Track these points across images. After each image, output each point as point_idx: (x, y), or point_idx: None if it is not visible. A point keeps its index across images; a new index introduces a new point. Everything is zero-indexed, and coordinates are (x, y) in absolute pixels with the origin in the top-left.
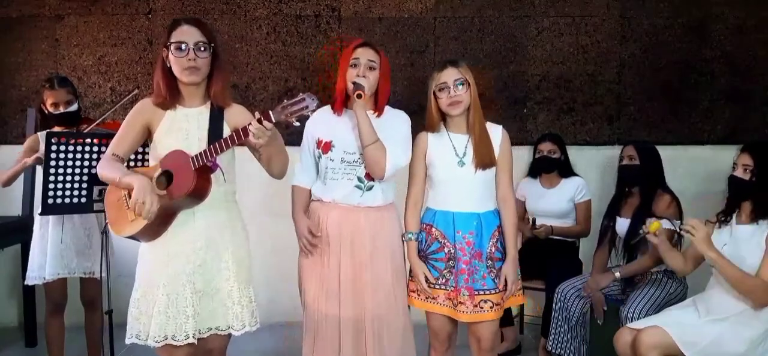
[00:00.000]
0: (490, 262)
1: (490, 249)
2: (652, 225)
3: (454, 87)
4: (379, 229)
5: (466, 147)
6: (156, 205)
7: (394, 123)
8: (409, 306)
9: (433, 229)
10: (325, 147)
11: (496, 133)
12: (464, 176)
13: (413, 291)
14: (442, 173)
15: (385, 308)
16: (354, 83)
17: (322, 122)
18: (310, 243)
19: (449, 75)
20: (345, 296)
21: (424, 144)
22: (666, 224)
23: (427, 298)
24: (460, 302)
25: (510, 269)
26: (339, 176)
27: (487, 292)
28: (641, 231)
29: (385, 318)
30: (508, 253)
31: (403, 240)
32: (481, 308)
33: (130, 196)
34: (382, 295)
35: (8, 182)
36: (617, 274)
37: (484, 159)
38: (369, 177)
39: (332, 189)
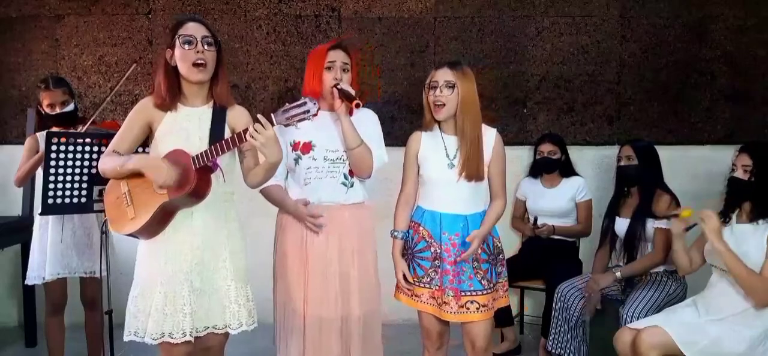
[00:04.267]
0: (476, 263)
1: (476, 251)
2: (684, 211)
3: (442, 87)
4: (363, 227)
5: (457, 150)
6: (173, 172)
7: (367, 121)
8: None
9: (421, 228)
10: (305, 147)
11: (489, 136)
12: (452, 178)
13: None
14: (431, 173)
15: (370, 306)
16: (342, 90)
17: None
18: (314, 217)
19: (442, 75)
20: (333, 297)
21: (417, 143)
22: (665, 224)
23: (412, 295)
24: (444, 302)
25: (477, 236)
26: (323, 175)
27: (475, 293)
28: (667, 217)
29: (370, 316)
30: (481, 228)
31: (391, 236)
32: (467, 309)
33: (130, 194)
34: (367, 293)
35: (22, 182)
36: (618, 274)
37: (472, 172)
38: (352, 174)
39: (317, 189)
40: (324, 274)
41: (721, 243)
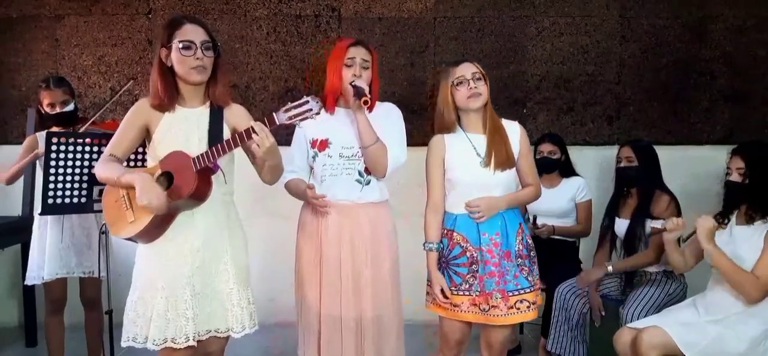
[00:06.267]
0: (520, 260)
1: (518, 248)
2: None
3: (473, 80)
4: (377, 227)
5: (486, 146)
6: (163, 198)
7: (388, 118)
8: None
9: (455, 234)
10: (322, 145)
11: (513, 129)
12: (486, 177)
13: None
14: (463, 175)
15: (383, 307)
16: (355, 87)
17: (314, 121)
18: (319, 198)
19: (467, 69)
20: (346, 296)
21: (441, 148)
22: (660, 224)
23: (451, 306)
24: (493, 306)
25: (491, 199)
26: (338, 172)
27: (522, 292)
28: (657, 225)
29: (384, 318)
30: (504, 198)
31: (424, 249)
32: (518, 309)
33: (129, 197)
34: (381, 294)
35: (12, 179)
36: (610, 267)
37: (501, 159)
38: (368, 171)
39: (332, 187)
40: (337, 273)
41: (711, 243)
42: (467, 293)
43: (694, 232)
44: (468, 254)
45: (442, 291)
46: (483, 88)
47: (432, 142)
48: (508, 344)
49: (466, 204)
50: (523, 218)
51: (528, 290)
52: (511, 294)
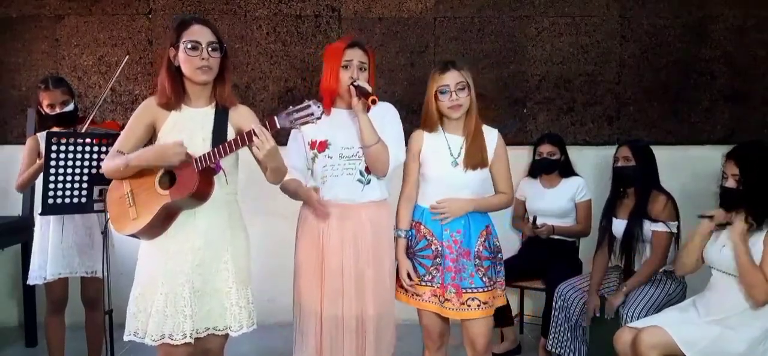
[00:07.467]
0: (477, 261)
1: (478, 249)
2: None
3: (455, 91)
4: (378, 226)
5: (461, 148)
6: (179, 149)
7: (386, 118)
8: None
9: (422, 227)
10: (321, 146)
11: (491, 136)
12: (456, 176)
13: (402, 287)
14: (434, 171)
15: (384, 304)
16: (358, 87)
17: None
18: (321, 204)
19: (451, 78)
20: (348, 296)
21: (419, 142)
22: (662, 226)
23: (412, 295)
24: (446, 299)
25: (457, 201)
26: (339, 172)
27: (475, 291)
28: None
29: (384, 315)
30: (472, 201)
31: (394, 236)
32: (468, 306)
33: (132, 194)
34: (381, 292)
35: (23, 187)
36: (625, 290)
37: (476, 159)
38: (368, 170)
39: (332, 187)
40: (339, 273)
41: (740, 238)
42: (429, 284)
43: (728, 224)
44: (433, 247)
45: (409, 274)
46: (464, 98)
47: (412, 136)
48: (508, 344)
49: (431, 208)
50: (491, 222)
51: (481, 290)
52: (464, 290)
